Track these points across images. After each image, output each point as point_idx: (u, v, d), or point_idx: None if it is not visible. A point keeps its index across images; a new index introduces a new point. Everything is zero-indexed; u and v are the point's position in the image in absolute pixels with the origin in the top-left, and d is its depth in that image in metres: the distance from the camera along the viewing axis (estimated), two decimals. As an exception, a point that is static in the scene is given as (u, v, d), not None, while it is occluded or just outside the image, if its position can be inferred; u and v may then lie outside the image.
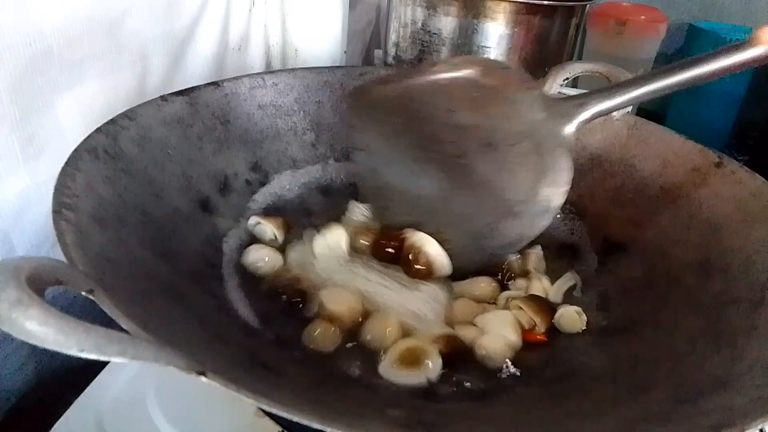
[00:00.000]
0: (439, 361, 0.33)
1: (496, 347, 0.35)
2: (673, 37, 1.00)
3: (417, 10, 0.66)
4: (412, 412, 0.31)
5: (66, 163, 0.30)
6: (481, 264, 0.40)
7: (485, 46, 0.65)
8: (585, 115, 0.37)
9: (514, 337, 0.36)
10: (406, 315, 0.36)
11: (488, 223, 0.37)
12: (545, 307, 0.38)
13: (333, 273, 0.38)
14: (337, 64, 0.69)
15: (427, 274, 0.38)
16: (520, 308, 0.37)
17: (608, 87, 0.38)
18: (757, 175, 0.39)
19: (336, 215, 0.45)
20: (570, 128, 0.37)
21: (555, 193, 0.36)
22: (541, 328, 0.37)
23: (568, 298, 0.41)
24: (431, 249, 0.38)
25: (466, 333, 0.36)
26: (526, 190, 0.36)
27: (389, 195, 0.41)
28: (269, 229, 0.41)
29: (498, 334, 0.36)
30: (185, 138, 0.40)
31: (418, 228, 0.39)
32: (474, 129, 0.35)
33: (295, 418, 0.20)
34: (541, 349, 0.36)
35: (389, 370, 0.33)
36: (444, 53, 0.67)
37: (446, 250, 0.38)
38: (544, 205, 0.36)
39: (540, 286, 0.40)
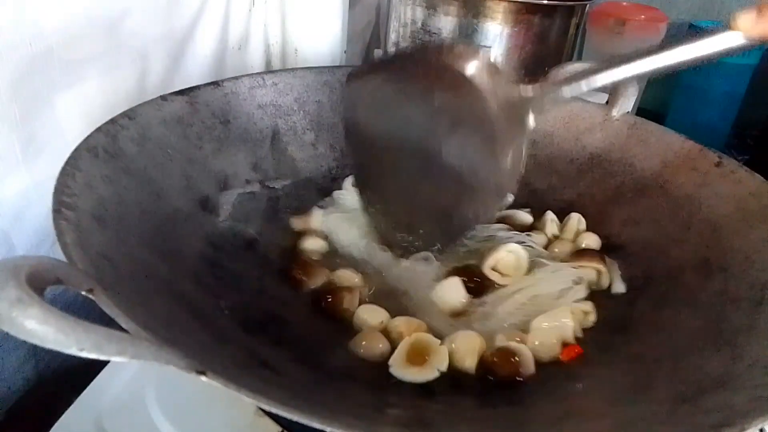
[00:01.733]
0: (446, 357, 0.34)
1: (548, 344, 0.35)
2: (673, 37, 1.00)
3: (417, 9, 0.66)
4: (412, 412, 0.31)
5: (66, 162, 0.30)
6: (447, 244, 0.41)
7: (485, 46, 0.65)
8: (544, 101, 0.36)
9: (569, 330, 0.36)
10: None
11: (450, 205, 0.39)
12: (597, 255, 0.41)
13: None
14: (337, 64, 0.69)
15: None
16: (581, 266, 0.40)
17: (573, 74, 0.37)
18: (757, 175, 0.39)
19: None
20: (530, 114, 0.36)
21: (508, 177, 0.37)
22: (605, 281, 0.41)
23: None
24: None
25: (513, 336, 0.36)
26: (481, 172, 0.37)
27: (376, 187, 0.43)
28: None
29: (550, 333, 0.36)
30: (185, 137, 0.40)
31: (394, 218, 0.41)
32: (443, 110, 0.37)
33: (295, 418, 0.20)
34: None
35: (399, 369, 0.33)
36: (444, 53, 0.67)
37: (419, 234, 0.40)
38: (497, 187, 0.37)
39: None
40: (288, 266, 0.40)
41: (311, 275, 0.39)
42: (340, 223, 0.44)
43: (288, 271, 0.40)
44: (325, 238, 0.43)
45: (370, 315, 0.36)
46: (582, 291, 0.39)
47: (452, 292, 0.38)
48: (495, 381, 0.33)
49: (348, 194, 0.46)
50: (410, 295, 0.39)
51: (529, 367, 0.34)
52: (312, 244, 0.42)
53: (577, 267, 0.41)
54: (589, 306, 0.38)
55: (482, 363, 0.34)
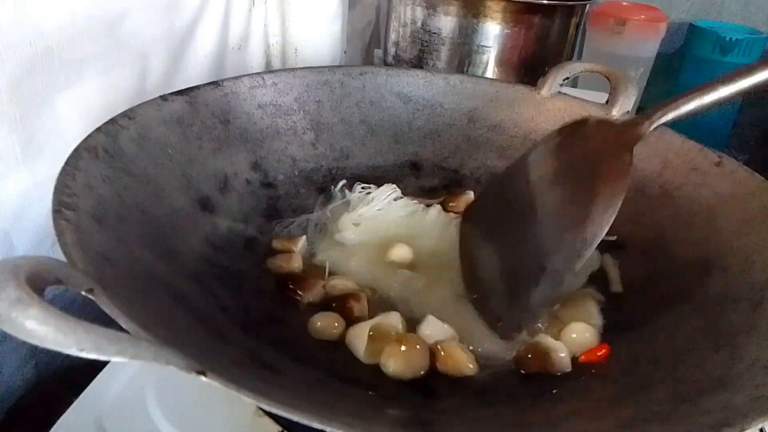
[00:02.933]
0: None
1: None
2: (673, 37, 1.00)
3: (417, 9, 0.66)
4: (412, 412, 0.31)
5: (66, 162, 0.30)
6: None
7: (485, 46, 0.65)
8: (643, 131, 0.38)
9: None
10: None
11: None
12: None
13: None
14: (337, 64, 0.69)
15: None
16: None
17: (672, 99, 0.38)
18: (757, 175, 0.39)
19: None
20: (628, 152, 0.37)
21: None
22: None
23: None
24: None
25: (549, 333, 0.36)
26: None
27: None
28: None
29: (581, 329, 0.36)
30: (185, 137, 0.40)
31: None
32: (548, 174, 0.40)
33: (295, 418, 0.20)
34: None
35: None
36: (444, 53, 0.67)
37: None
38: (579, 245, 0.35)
39: None
40: (283, 284, 0.39)
41: (307, 289, 0.38)
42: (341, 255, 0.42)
43: (283, 289, 0.39)
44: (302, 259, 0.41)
45: (391, 322, 0.35)
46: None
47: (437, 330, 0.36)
48: (495, 381, 0.33)
49: (350, 233, 0.44)
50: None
51: (565, 363, 0.34)
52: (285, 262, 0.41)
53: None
54: (598, 293, 0.39)
55: (516, 359, 0.35)
